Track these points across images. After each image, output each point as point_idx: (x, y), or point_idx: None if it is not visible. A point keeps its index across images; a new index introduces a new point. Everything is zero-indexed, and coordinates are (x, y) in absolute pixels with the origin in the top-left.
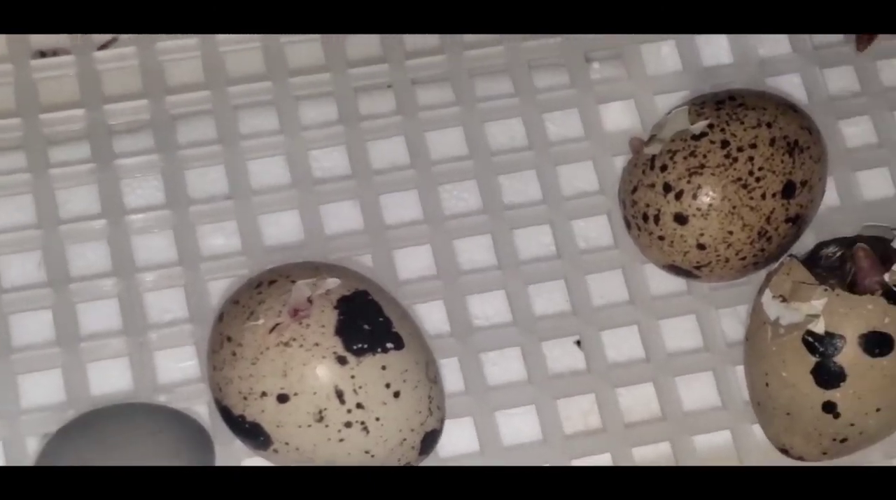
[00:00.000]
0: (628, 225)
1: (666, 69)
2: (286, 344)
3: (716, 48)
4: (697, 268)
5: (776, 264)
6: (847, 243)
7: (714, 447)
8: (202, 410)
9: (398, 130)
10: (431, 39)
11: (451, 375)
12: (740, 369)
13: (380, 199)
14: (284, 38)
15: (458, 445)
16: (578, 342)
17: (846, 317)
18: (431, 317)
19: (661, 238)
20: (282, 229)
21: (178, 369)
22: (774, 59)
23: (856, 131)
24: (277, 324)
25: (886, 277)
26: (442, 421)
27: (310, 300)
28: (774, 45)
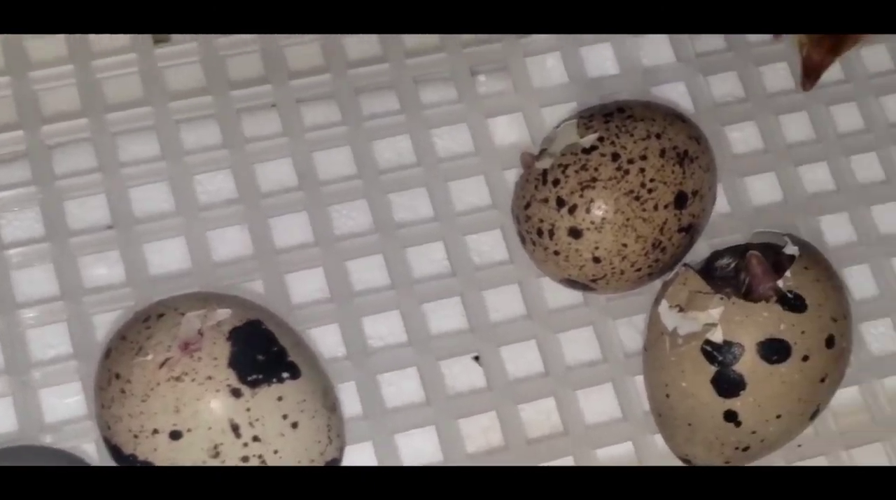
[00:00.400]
0: (523, 240)
1: (552, 81)
2: (177, 379)
3: (600, 59)
4: (593, 281)
5: (671, 274)
6: (740, 252)
7: (616, 459)
8: (90, 448)
9: (285, 151)
10: (316, 58)
11: (349, 399)
12: (640, 380)
13: (269, 222)
14: (162, 63)
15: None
16: (477, 358)
17: (743, 325)
18: (327, 341)
19: (557, 253)
20: (168, 258)
21: (65, 407)
22: (658, 68)
23: (741, 137)
24: (167, 359)
25: (780, 283)
26: (342, 449)
27: (200, 333)
28: (658, 54)
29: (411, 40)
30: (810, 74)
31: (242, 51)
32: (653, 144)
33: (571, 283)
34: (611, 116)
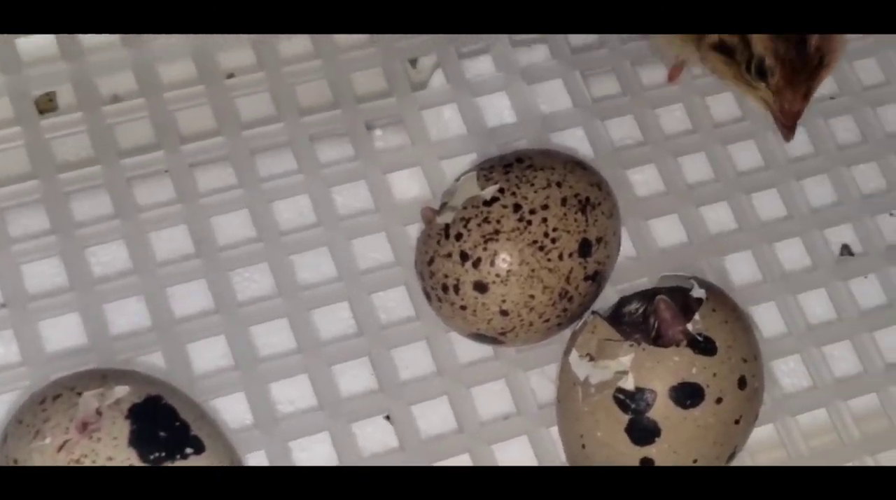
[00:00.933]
0: (428, 297)
1: (450, 133)
2: (77, 462)
3: (498, 108)
4: (502, 334)
5: (580, 323)
6: (648, 297)
7: None
8: None
9: (180, 218)
10: (208, 121)
11: None
12: (555, 431)
13: (166, 292)
14: (48, 134)
15: None
16: (388, 417)
17: (654, 371)
18: (234, 410)
19: (463, 308)
20: (64, 333)
21: None
22: (556, 114)
23: (643, 179)
24: (66, 441)
25: (689, 326)
26: None
27: (99, 412)
28: (554, 100)
29: (306, 97)
30: (790, 125)
31: (131, 117)
32: (554, 192)
33: (480, 337)
34: (510, 167)
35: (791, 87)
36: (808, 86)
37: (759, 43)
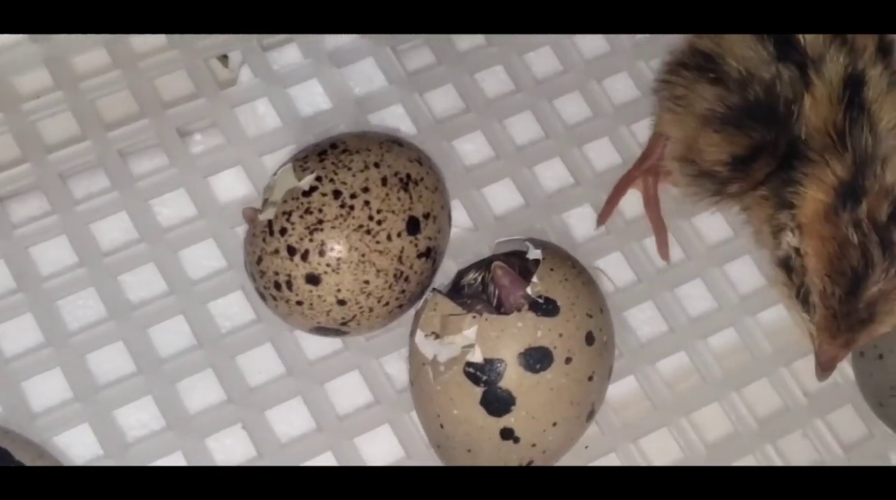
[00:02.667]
0: (263, 297)
1: (267, 128)
2: None
3: (311, 95)
4: (344, 324)
5: (421, 302)
6: (485, 265)
7: None
8: None
9: None
10: (11, 149)
11: None
12: (414, 416)
13: None
14: None
15: None
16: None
17: (500, 340)
18: (81, 443)
19: (300, 303)
20: None
21: None
22: (371, 94)
23: (471, 148)
24: None
25: (529, 290)
26: None
27: None
28: (369, 80)
29: (110, 113)
30: (826, 367)
31: None
32: (373, 174)
33: (323, 330)
34: (325, 154)
35: (829, 332)
36: (849, 337)
37: (815, 274)
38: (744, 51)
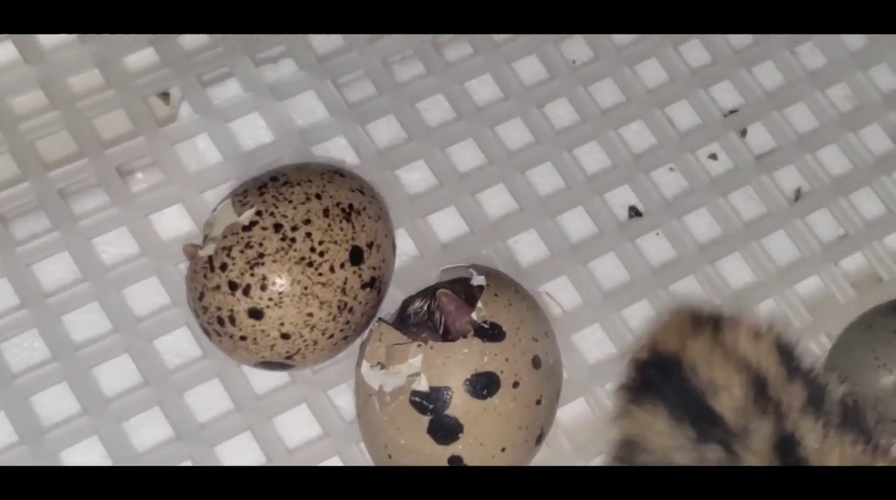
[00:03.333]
0: (207, 333)
1: (208, 163)
2: None
3: (253, 129)
4: (289, 358)
5: (367, 332)
6: (430, 293)
7: None
8: None
9: None
10: None
11: None
12: (362, 447)
13: None
14: None
15: None
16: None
17: (446, 367)
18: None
19: (243, 338)
20: None
21: None
22: (314, 126)
23: (416, 177)
24: None
25: (474, 315)
26: None
27: None
28: (311, 113)
29: (49, 154)
30: None
31: None
32: (314, 205)
33: (268, 364)
34: (265, 187)
35: None
36: None
37: None
38: (661, 438)
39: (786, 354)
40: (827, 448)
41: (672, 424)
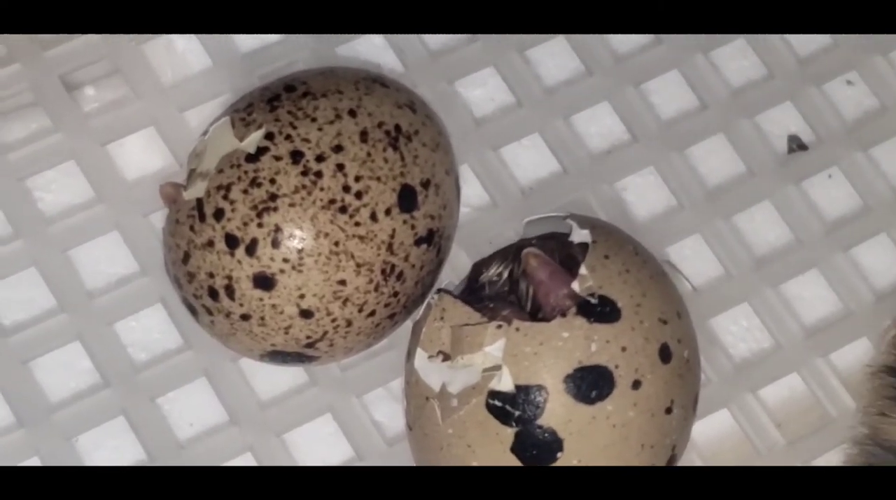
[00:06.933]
0: (193, 311)
1: (191, 71)
2: None
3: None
4: (310, 346)
5: (422, 309)
6: (512, 254)
7: None
8: None
9: None
10: None
11: None
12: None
13: None
14: None
15: None
16: None
17: (539, 358)
18: None
19: (245, 317)
20: None
21: None
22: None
23: (481, 94)
24: None
25: (575, 285)
26: None
27: None
28: None
29: None
30: None
31: None
32: (347, 125)
33: (280, 356)
34: (278, 100)
35: None
36: None
37: None
38: None
39: None
40: None
41: None
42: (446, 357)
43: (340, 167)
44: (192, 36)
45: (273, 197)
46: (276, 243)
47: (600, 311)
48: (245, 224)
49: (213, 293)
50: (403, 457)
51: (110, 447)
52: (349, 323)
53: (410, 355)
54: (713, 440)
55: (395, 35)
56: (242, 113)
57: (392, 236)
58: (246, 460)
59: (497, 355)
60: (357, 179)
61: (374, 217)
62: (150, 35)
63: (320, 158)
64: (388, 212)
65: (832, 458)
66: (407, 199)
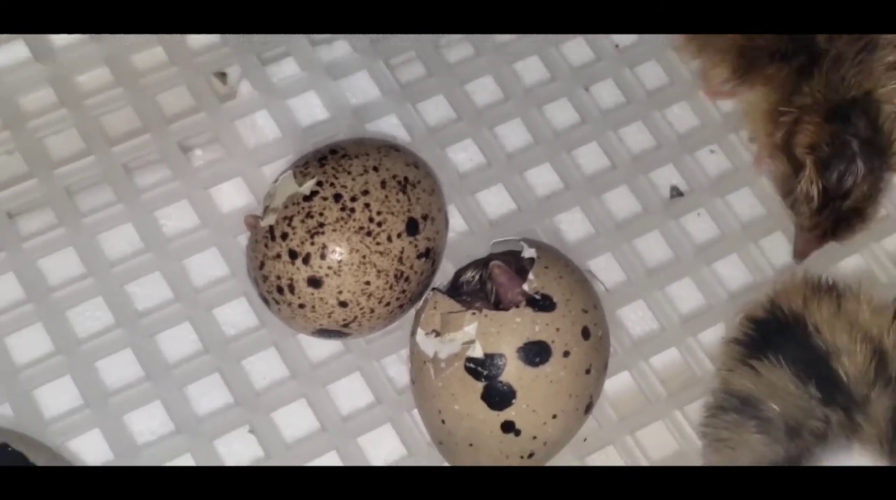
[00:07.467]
0: (266, 301)
1: (266, 139)
2: None
3: (309, 107)
4: (346, 326)
5: (421, 302)
6: (482, 264)
7: None
8: None
9: (6, 267)
10: (21, 167)
11: None
12: (417, 412)
13: (4, 342)
14: None
15: None
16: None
17: (500, 335)
18: (94, 448)
19: (302, 306)
20: None
21: None
22: (367, 105)
23: (464, 156)
24: None
25: (525, 287)
26: None
27: None
28: (364, 91)
29: (114, 129)
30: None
31: None
32: (372, 177)
33: (325, 332)
34: (325, 159)
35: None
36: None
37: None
38: (788, 397)
39: None
40: None
41: (797, 384)
42: (437, 334)
43: (367, 205)
44: (266, 112)
45: (321, 225)
46: (323, 256)
47: (542, 304)
48: (302, 243)
49: (280, 290)
50: (409, 402)
51: (209, 392)
52: (372, 311)
53: (413, 332)
54: (618, 392)
55: (404, 115)
56: (301, 168)
57: (402, 252)
58: (301, 404)
59: (472, 333)
60: (378, 213)
61: (389, 239)
62: (243, 113)
63: (353, 199)
64: (399, 235)
65: (698, 404)
66: (412, 227)
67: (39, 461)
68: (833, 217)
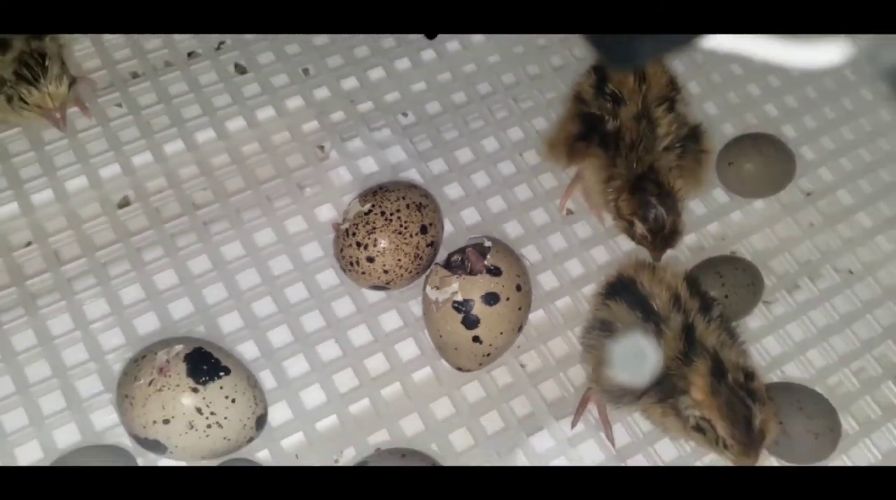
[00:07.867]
0: (344, 270)
1: (344, 181)
2: (159, 390)
3: (368, 164)
4: (388, 284)
5: (429, 271)
6: (462, 250)
7: (425, 376)
8: (126, 441)
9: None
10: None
11: (267, 379)
12: (426, 332)
13: (202, 292)
14: (124, 217)
15: (279, 418)
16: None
17: (472, 289)
18: (249, 351)
19: (363, 273)
20: (147, 322)
21: (103, 419)
22: (400, 164)
23: (453, 192)
24: (152, 380)
25: (486, 262)
26: (265, 408)
27: (168, 361)
28: (398, 156)
29: (261, 175)
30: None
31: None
32: (402, 203)
33: (376, 287)
34: (376, 193)
35: (745, 453)
36: (757, 451)
37: (721, 428)
38: (625, 318)
39: (690, 282)
40: (706, 333)
41: (630, 312)
42: (437, 288)
43: (399, 218)
44: (346, 168)
45: (374, 229)
46: (375, 245)
47: (495, 272)
48: (364, 237)
49: (351, 263)
50: (422, 326)
51: (313, 322)
52: (402, 276)
53: (424, 287)
54: (537, 321)
55: (422, 169)
56: (362, 197)
57: (418, 244)
58: (364, 328)
59: (456, 288)
60: (405, 222)
61: (411, 236)
62: (332, 167)
63: (391, 214)
64: (415, 234)
65: (580, 327)
66: (424, 230)
67: (220, 356)
68: (663, 241)
